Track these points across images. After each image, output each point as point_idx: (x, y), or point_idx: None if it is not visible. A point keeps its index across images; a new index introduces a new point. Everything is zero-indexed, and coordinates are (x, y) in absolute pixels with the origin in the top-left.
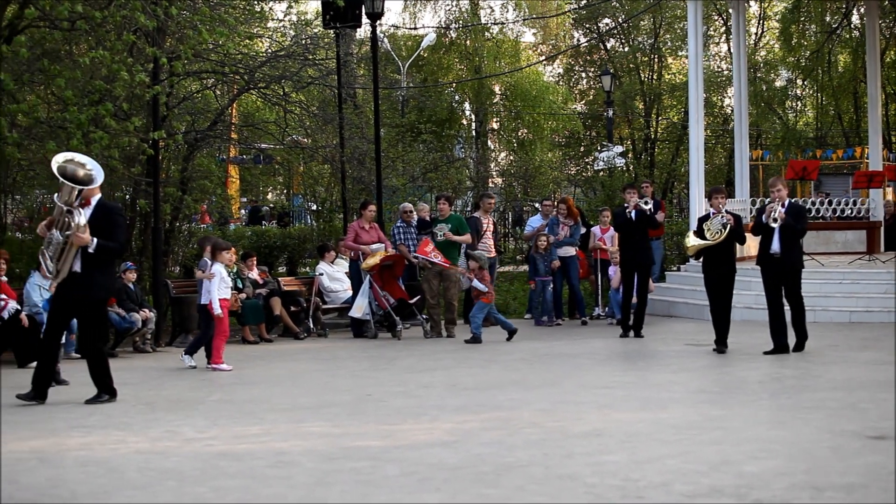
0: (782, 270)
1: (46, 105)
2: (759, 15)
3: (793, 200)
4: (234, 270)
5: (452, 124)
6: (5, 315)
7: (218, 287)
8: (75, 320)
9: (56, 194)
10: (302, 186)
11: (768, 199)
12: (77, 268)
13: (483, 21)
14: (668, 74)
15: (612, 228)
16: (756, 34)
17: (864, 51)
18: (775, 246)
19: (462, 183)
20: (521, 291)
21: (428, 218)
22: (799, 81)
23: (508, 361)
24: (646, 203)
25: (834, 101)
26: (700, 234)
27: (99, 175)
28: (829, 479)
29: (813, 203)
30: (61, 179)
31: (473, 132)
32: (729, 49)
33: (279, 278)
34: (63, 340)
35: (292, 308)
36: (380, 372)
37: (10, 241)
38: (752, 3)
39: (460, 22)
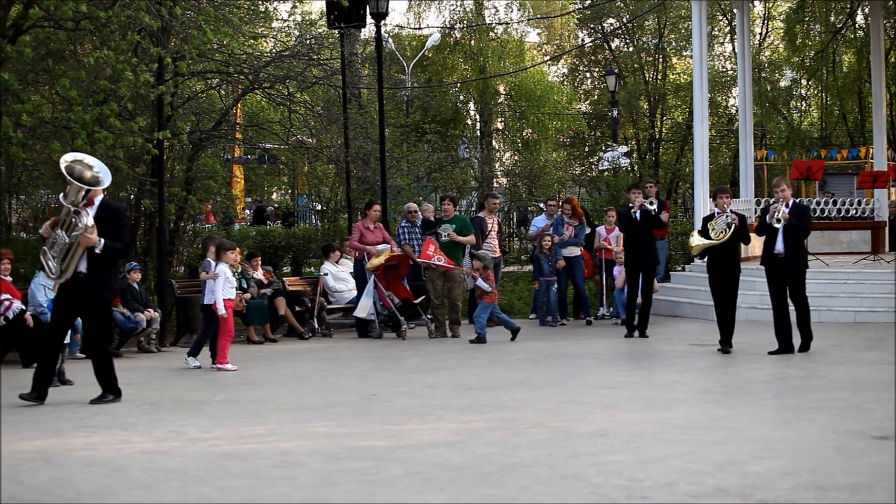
0: (786, 270)
1: (51, 105)
2: (764, 15)
3: (797, 200)
4: (239, 270)
5: (457, 124)
6: (10, 315)
7: (222, 287)
8: (80, 320)
9: (61, 194)
10: (306, 186)
11: (772, 200)
12: (82, 268)
13: (487, 21)
14: (673, 74)
15: (617, 228)
16: (760, 34)
17: (868, 51)
18: (779, 246)
19: (467, 183)
20: (526, 291)
21: (432, 218)
22: (803, 81)
23: (513, 361)
24: (650, 203)
25: (838, 101)
26: (704, 233)
27: (106, 178)
28: (833, 479)
29: (818, 203)
30: (69, 179)
31: (478, 132)
32: (733, 49)
33: (284, 278)
34: (68, 340)
35: (297, 308)
36: (384, 372)
37: (15, 241)
38: (756, 3)
39: (465, 22)
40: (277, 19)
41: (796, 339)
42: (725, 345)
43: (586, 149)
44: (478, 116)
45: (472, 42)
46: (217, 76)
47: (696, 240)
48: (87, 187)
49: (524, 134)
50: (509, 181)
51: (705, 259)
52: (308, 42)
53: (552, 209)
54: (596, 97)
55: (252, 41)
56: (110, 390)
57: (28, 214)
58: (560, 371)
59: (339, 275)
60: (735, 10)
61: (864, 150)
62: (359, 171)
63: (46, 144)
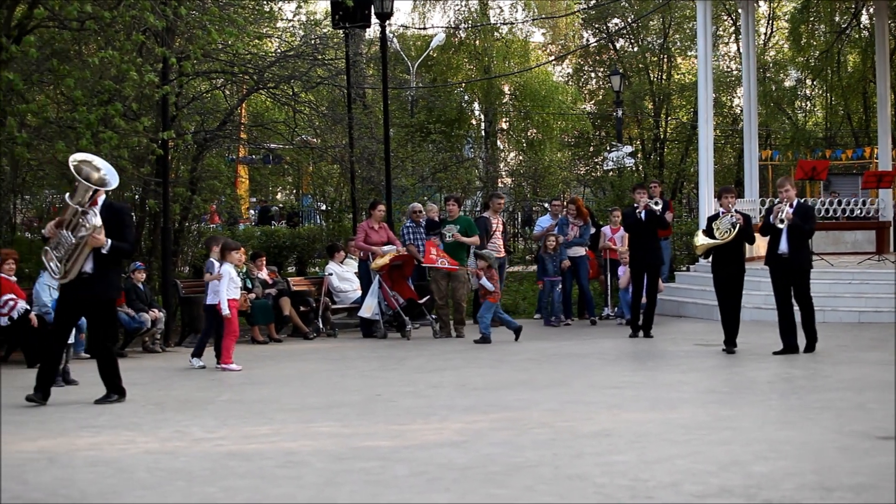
0: (790, 271)
1: (56, 105)
2: (769, 15)
3: (801, 201)
4: (244, 270)
5: (462, 124)
6: (15, 315)
7: (227, 287)
8: (84, 320)
9: (67, 194)
10: (311, 186)
11: (777, 200)
12: (88, 269)
13: (492, 21)
14: (678, 74)
15: (622, 228)
16: (765, 34)
17: (873, 51)
18: (783, 246)
19: (471, 183)
20: (531, 291)
21: (437, 218)
22: (808, 81)
23: (518, 361)
24: (656, 203)
25: (843, 101)
26: (709, 233)
27: (113, 180)
28: (837, 479)
29: (822, 203)
30: (78, 178)
31: (483, 132)
32: (738, 49)
33: (289, 278)
34: (72, 340)
35: (302, 308)
36: (389, 372)
37: (20, 241)
38: (761, 3)
39: (469, 22)
40: (282, 19)
41: (801, 340)
42: (730, 345)
43: (591, 149)
44: (482, 116)
45: (477, 42)
46: (222, 76)
47: (701, 239)
48: (95, 187)
49: (529, 134)
50: (514, 181)
51: (710, 259)
52: (313, 42)
53: (557, 209)
54: (601, 97)
55: (257, 41)
56: (115, 390)
57: (33, 214)
58: (564, 371)
59: (343, 275)
60: (740, 10)
61: (869, 150)
62: (363, 171)
63: (51, 144)
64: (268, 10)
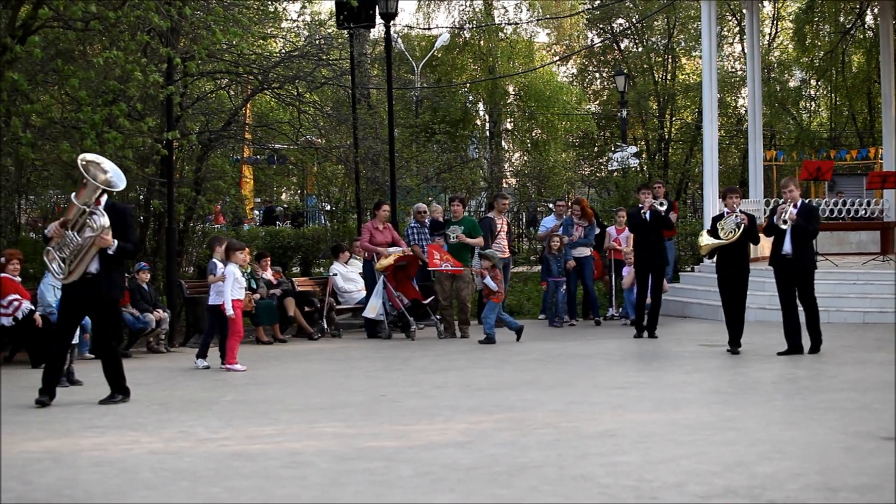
0: (794, 271)
1: (60, 105)
2: (773, 15)
3: (805, 201)
4: (248, 271)
5: (466, 125)
6: (19, 315)
7: (232, 287)
8: (89, 320)
9: (73, 194)
10: (316, 187)
11: (781, 200)
12: (93, 269)
13: (497, 21)
14: (682, 75)
15: (627, 229)
16: (770, 34)
17: (878, 51)
18: (787, 247)
19: (476, 183)
20: (535, 292)
21: (441, 219)
22: (813, 82)
23: (522, 362)
24: (661, 204)
25: (848, 102)
26: (714, 233)
27: (120, 182)
28: (842, 480)
29: (827, 203)
30: (87, 177)
31: (487, 132)
32: (743, 49)
33: (293, 279)
34: (77, 340)
35: (306, 308)
36: (394, 372)
37: (24, 242)
38: (765, 3)
39: (474, 22)
40: (287, 19)
41: (805, 340)
42: (734, 345)
43: (595, 149)
44: (487, 117)
45: (482, 42)
46: (226, 76)
47: (706, 239)
48: (104, 187)
49: (533, 134)
50: (518, 182)
51: (714, 259)
52: (317, 42)
53: (561, 209)
54: (605, 97)
55: (261, 41)
56: (119, 390)
57: (37, 215)
58: (569, 371)
59: (348, 275)
60: (744, 11)
61: (874, 150)
62: (368, 172)
63: (56, 145)
64: (272, 10)
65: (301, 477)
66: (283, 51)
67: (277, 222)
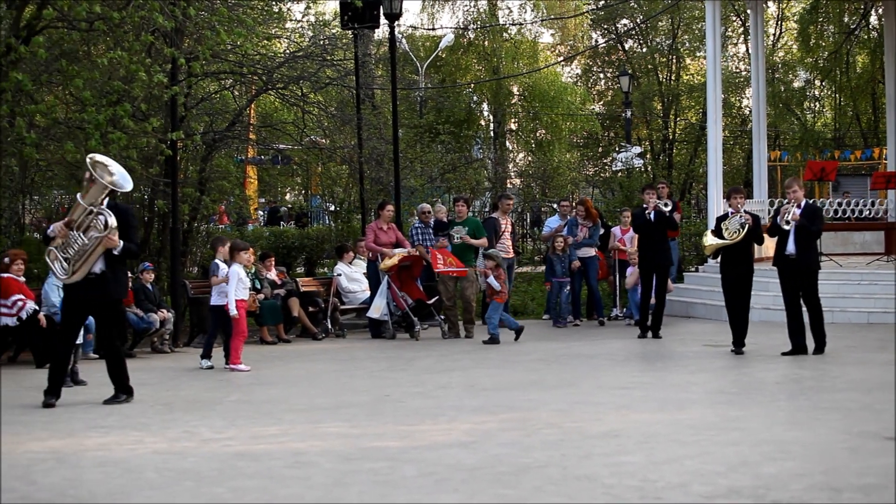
0: (798, 272)
1: (64, 106)
2: (777, 15)
3: (809, 202)
4: (253, 271)
5: (470, 125)
6: (23, 315)
7: (236, 288)
8: (92, 320)
9: (79, 194)
10: (320, 187)
11: (785, 200)
12: (97, 269)
13: (501, 22)
14: (687, 75)
15: (631, 229)
16: (774, 35)
17: (882, 51)
18: (790, 247)
19: (480, 184)
20: (539, 292)
21: (445, 219)
22: (817, 82)
23: (526, 362)
24: (665, 205)
25: (852, 102)
26: (718, 233)
27: (126, 184)
28: (846, 480)
29: (831, 204)
30: (94, 174)
31: (491, 133)
32: (747, 50)
33: (297, 279)
34: (81, 340)
35: (310, 308)
36: (398, 372)
37: (28, 242)
38: (770, 3)
39: (478, 22)
40: (291, 20)
41: (810, 340)
42: (738, 345)
43: (600, 149)
44: (491, 117)
45: (486, 43)
46: (231, 77)
47: (710, 239)
48: (112, 187)
49: (538, 135)
50: (523, 182)
51: (718, 259)
52: (322, 43)
53: (565, 210)
54: (609, 98)
55: (266, 42)
56: (122, 389)
57: (41, 215)
58: (573, 372)
59: (352, 275)
60: (749, 11)
61: (878, 150)
62: (372, 172)
63: (60, 145)
64: (277, 10)
65: (305, 477)
66: (288, 51)
67: (282, 222)
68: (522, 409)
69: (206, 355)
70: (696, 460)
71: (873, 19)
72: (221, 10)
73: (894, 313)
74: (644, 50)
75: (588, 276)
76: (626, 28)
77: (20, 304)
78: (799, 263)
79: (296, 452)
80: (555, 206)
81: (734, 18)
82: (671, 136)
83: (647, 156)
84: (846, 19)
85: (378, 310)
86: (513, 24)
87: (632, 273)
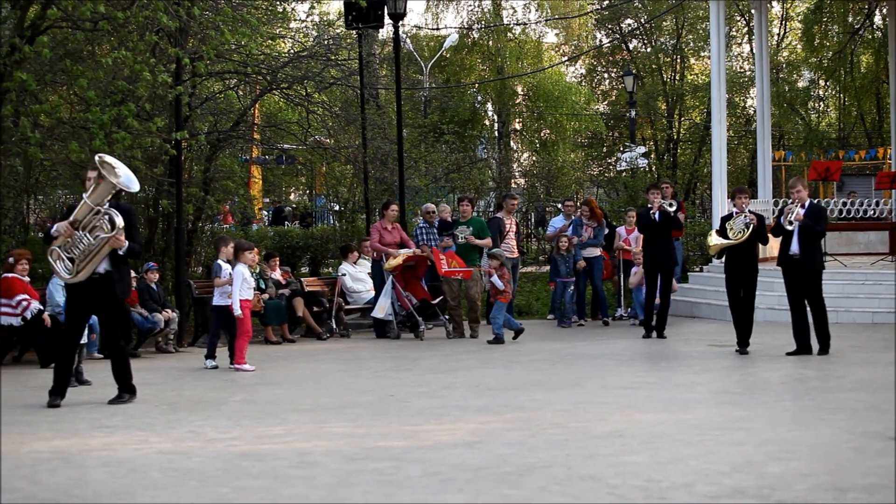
0: (802, 272)
1: (69, 105)
2: (782, 15)
3: (813, 202)
4: (257, 271)
5: (475, 125)
6: (28, 315)
7: (240, 287)
8: (96, 320)
9: (84, 193)
10: (324, 187)
11: (790, 200)
12: (102, 269)
13: (505, 22)
14: (691, 75)
15: (636, 229)
16: (778, 35)
17: (886, 51)
18: (794, 247)
19: (485, 183)
20: (544, 292)
21: (450, 219)
22: (821, 82)
23: (531, 362)
24: (670, 205)
25: (856, 102)
26: (723, 233)
27: (131, 185)
28: (851, 480)
29: (835, 204)
30: (105, 174)
31: (496, 133)
32: (751, 50)
33: (302, 279)
34: (85, 340)
35: (315, 308)
36: (402, 372)
37: (33, 242)
38: (774, 3)
39: (482, 22)
40: (295, 20)
41: (814, 340)
42: (743, 345)
43: (604, 149)
44: (495, 117)
45: (490, 42)
46: (235, 77)
47: (714, 239)
48: (120, 187)
49: (542, 134)
50: (527, 182)
51: (723, 259)
52: (326, 42)
53: (570, 210)
54: (614, 98)
55: (270, 42)
56: (126, 388)
57: (46, 215)
58: (578, 372)
59: (356, 275)
60: (753, 11)
61: (882, 150)
62: (376, 172)
63: (64, 145)
64: (281, 10)
65: (310, 477)
66: (292, 51)
67: (286, 222)
68: (527, 409)
69: (211, 355)
70: (700, 460)
71: (877, 19)
72: (226, 9)
73: (894, 313)
74: (648, 50)
75: (593, 276)
76: (630, 28)
77: (25, 303)
78: (803, 263)
79: (300, 452)
80: (559, 205)
81: (738, 18)
82: (675, 136)
83: (652, 156)
84: (850, 19)
85: (382, 310)
86: (517, 24)
87: (636, 273)
